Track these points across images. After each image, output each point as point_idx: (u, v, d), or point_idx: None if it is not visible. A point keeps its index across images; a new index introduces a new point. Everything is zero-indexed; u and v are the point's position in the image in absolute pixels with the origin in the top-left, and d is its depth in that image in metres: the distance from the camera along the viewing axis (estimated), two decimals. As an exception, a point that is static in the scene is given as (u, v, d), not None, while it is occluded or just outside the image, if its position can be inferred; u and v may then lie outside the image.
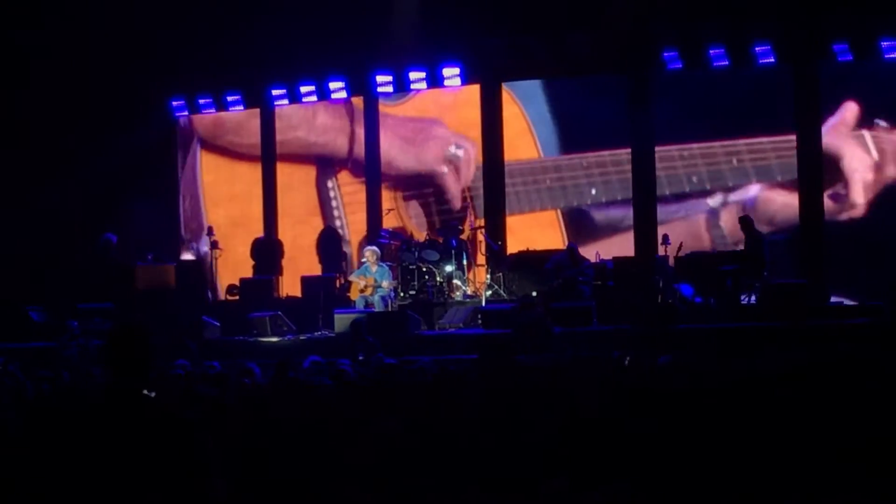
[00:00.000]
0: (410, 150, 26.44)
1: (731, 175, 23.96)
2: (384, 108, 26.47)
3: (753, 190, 23.75)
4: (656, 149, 24.25)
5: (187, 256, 27.69)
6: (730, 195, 23.91)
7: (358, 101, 26.58)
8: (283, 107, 26.86)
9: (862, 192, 23.10)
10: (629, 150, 24.37)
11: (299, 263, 25.97)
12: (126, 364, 5.75)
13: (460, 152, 26.14)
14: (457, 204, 26.06)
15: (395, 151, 26.50)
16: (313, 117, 27.17)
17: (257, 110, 27.14)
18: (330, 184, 27.21)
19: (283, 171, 27.42)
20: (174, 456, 5.52)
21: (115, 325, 6.02)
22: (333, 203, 27.12)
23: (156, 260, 24.41)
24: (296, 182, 27.35)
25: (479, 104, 25.73)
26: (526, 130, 25.63)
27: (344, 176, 27.13)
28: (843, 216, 23.19)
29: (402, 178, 26.51)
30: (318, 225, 26.97)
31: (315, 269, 25.54)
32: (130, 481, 5.44)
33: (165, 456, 5.51)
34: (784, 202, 23.60)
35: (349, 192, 26.99)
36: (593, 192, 25.15)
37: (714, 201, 24.10)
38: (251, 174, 27.68)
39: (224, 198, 27.91)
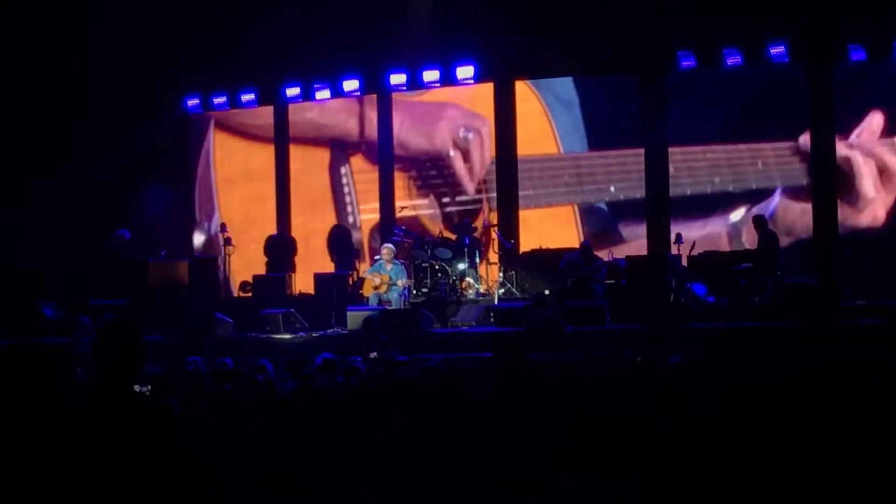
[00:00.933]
0: (421, 129, 26.45)
1: (754, 177, 23.92)
2: (399, 96, 26.49)
3: (773, 202, 23.69)
4: (679, 149, 24.25)
5: (198, 237, 27.82)
6: (752, 209, 23.83)
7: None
8: (297, 103, 26.89)
9: (872, 188, 23.13)
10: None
11: (312, 258, 26.03)
12: (116, 362, 5.71)
13: (471, 135, 26.14)
14: (470, 189, 26.09)
15: (405, 131, 26.55)
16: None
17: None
18: (343, 170, 27.26)
19: (298, 157, 27.47)
20: (169, 453, 5.49)
21: (104, 322, 5.94)
22: (346, 189, 27.17)
23: (169, 256, 24.46)
24: (310, 168, 27.40)
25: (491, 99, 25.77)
26: (546, 126, 25.61)
27: (357, 162, 27.19)
28: (861, 220, 23.19)
29: (413, 161, 26.56)
30: (329, 212, 27.05)
31: (328, 266, 25.58)
32: (127, 479, 5.42)
33: (160, 453, 5.48)
34: (803, 210, 23.58)
35: (362, 180, 27.03)
36: (612, 189, 25.17)
37: (736, 216, 24.06)
38: (264, 155, 27.72)
39: (237, 178, 27.97)
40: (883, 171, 23.19)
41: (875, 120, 23.13)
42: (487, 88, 25.83)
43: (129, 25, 24.31)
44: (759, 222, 21.85)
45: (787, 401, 7.50)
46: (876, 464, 6.92)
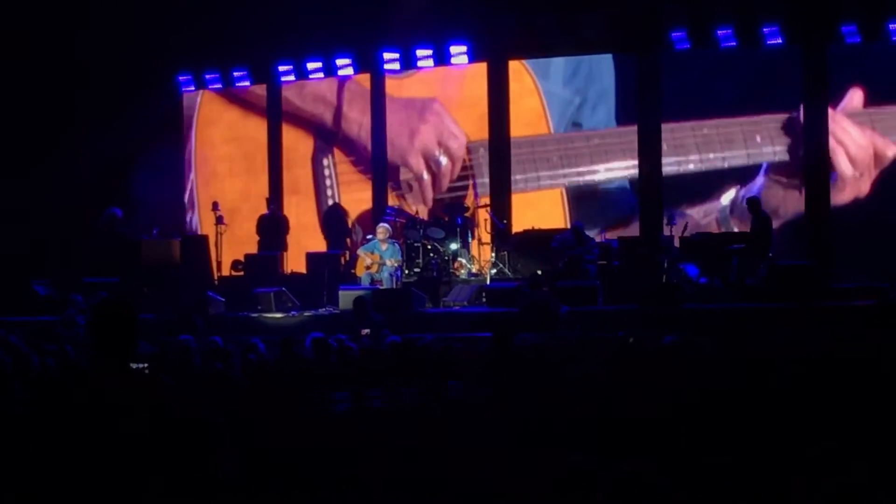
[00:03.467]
0: (397, 144, 26.33)
1: (751, 152, 23.81)
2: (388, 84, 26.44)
3: (758, 183, 23.60)
4: (672, 125, 24.20)
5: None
6: (741, 190, 23.78)
7: (362, 78, 26.50)
8: (289, 83, 26.83)
9: (849, 165, 23.17)
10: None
11: (299, 239, 26.05)
12: (111, 340, 5.68)
13: (444, 161, 26.09)
14: (428, 204, 26.08)
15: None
16: (302, 86, 27.12)
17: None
18: (325, 161, 27.19)
19: (284, 140, 27.43)
20: (165, 430, 5.47)
21: (100, 300, 5.91)
22: (328, 182, 27.10)
23: (161, 235, 24.41)
24: (292, 154, 27.35)
25: (484, 78, 25.61)
26: (538, 106, 25.54)
27: (339, 154, 27.12)
28: (842, 198, 23.21)
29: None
30: (310, 201, 27.03)
31: (318, 246, 25.61)
32: (124, 456, 5.40)
33: (156, 430, 5.46)
34: (786, 192, 23.57)
35: (345, 171, 26.97)
36: (601, 169, 25.10)
37: (726, 198, 24.01)
38: (256, 132, 27.72)
39: (225, 157, 27.97)
40: (875, 153, 23.22)
41: (855, 97, 23.13)
42: (479, 78, 25.70)
43: (122, 3, 24.25)
44: (754, 204, 21.81)
45: (785, 380, 7.50)
46: (871, 443, 6.91)
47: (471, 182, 25.86)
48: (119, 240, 23.83)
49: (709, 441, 7.01)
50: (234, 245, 25.49)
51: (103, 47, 24.88)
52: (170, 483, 5.43)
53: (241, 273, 24.50)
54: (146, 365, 11.30)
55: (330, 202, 26.98)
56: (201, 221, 27.59)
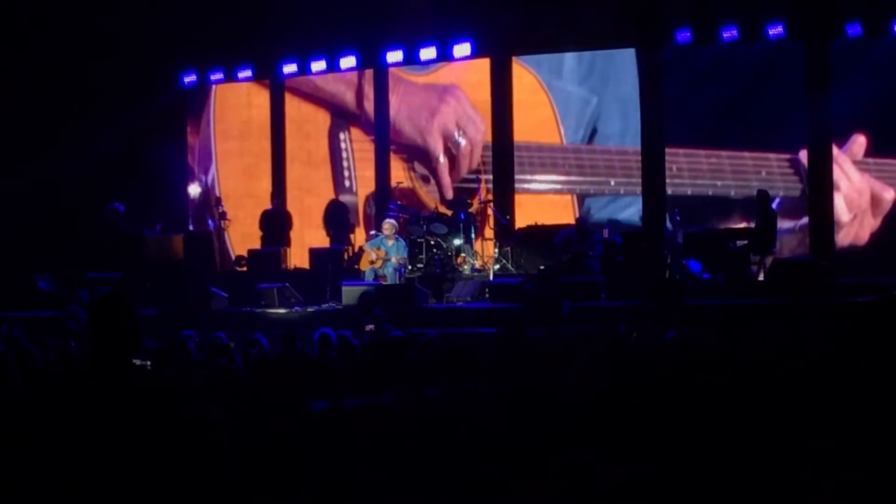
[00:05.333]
0: (416, 123, 26.47)
1: (758, 185, 23.72)
2: (405, 74, 26.45)
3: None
4: (682, 150, 24.21)
5: (194, 188, 27.81)
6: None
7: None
8: (294, 77, 26.84)
9: (844, 209, 23.23)
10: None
11: (305, 220, 26.12)
12: (108, 335, 5.67)
13: (462, 142, 26.13)
14: (448, 194, 26.14)
15: (400, 119, 26.60)
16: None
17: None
18: (342, 136, 27.33)
19: (299, 112, 27.47)
20: (166, 426, 5.46)
21: (97, 295, 5.91)
22: (344, 154, 27.22)
23: (164, 230, 24.42)
24: (309, 126, 27.43)
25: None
26: (551, 117, 25.62)
27: (357, 131, 27.22)
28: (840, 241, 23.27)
29: (403, 147, 26.57)
30: (326, 172, 27.03)
31: (322, 234, 25.72)
32: (124, 453, 5.40)
33: (160, 428, 5.45)
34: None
35: (360, 149, 27.08)
36: (612, 182, 25.17)
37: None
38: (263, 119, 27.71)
39: (234, 151, 27.99)
40: (872, 198, 23.27)
41: (857, 143, 23.16)
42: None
43: (127, 1, 24.28)
44: (763, 197, 21.77)
45: (786, 376, 7.48)
46: (870, 439, 6.90)
47: (483, 178, 25.90)
48: (122, 235, 23.83)
49: (711, 438, 6.99)
50: (238, 238, 25.63)
51: (108, 43, 24.87)
52: (170, 478, 5.42)
53: (245, 268, 24.54)
54: (149, 362, 11.30)
55: (346, 173, 27.06)
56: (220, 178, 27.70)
